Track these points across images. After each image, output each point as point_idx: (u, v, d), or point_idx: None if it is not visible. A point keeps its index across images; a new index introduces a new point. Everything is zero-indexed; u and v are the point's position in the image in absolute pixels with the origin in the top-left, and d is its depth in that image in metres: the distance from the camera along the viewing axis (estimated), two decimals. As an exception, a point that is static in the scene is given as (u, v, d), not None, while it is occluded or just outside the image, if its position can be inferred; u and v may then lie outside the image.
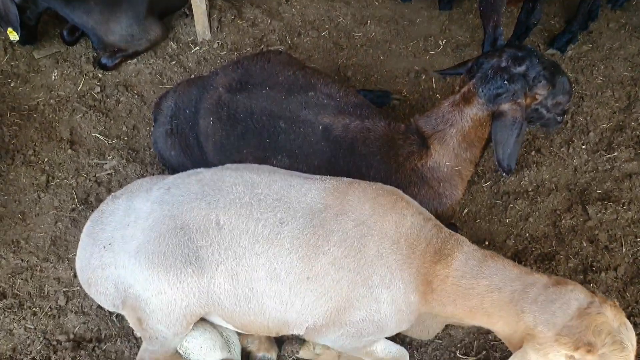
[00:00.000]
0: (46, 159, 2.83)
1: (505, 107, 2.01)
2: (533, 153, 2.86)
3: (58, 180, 2.75)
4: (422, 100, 3.14)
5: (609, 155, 2.84)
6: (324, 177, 1.97)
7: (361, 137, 2.22)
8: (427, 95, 3.17)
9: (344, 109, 2.30)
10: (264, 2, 3.70)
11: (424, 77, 3.26)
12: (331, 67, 3.31)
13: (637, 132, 2.94)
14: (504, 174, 2.22)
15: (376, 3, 3.74)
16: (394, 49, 3.43)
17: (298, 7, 3.68)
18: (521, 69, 1.98)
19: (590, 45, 3.43)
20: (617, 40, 3.45)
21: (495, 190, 2.72)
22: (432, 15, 3.65)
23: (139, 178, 2.56)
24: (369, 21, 3.60)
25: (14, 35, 3.04)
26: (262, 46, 3.41)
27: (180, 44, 3.42)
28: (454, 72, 2.32)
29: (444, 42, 3.47)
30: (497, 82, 1.99)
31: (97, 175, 2.78)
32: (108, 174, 2.79)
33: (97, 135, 2.95)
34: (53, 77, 3.20)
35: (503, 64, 2.00)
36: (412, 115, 2.59)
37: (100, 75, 3.23)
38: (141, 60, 3.30)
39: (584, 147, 2.88)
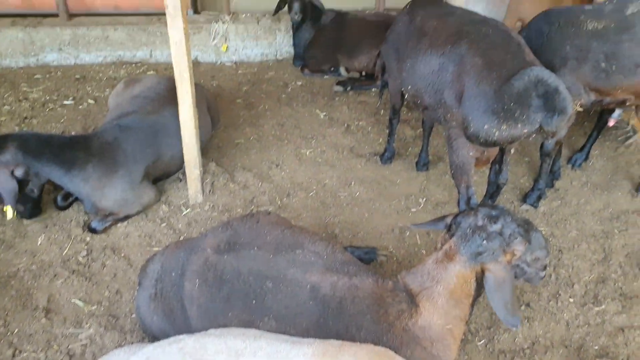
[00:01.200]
0: (16, 330, 2.67)
1: (489, 266, 2.06)
2: (523, 308, 2.84)
3: (25, 354, 2.56)
4: (408, 255, 3.19)
5: (597, 309, 2.82)
6: (312, 340, 1.90)
7: (350, 296, 2.20)
8: (413, 250, 3.23)
9: (331, 266, 2.31)
10: (255, 166, 3.97)
11: (408, 233, 3.36)
12: (319, 225, 3.42)
13: (619, 284, 2.98)
14: (513, 328, 2.18)
15: (359, 166, 4.03)
16: (378, 207, 3.59)
17: (287, 170, 3.94)
18: (497, 227, 2.07)
19: (559, 202, 3.66)
20: (583, 197, 3.70)
21: (491, 349, 2.63)
22: (410, 176, 3.93)
23: (116, 348, 2.42)
24: (353, 182, 3.83)
25: (10, 214, 3.08)
26: (253, 207, 3.55)
27: (172, 207, 3.53)
28: (432, 227, 2.39)
29: (424, 200, 3.67)
30: (477, 240, 2.06)
31: (70, 346, 2.61)
32: (83, 344, 2.62)
33: (77, 301, 2.85)
34: (39, 242, 3.21)
35: (480, 223, 2.09)
36: (399, 271, 2.60)
37: (88, 239, 3.25)
38: (131, 223, 3.37)
39: (571, 300, 2.88)
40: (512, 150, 3.23)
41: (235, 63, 5.77)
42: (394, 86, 3.67)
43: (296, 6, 5.22)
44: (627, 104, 3.37)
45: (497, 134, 2.63)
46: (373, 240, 3.30)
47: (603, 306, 2.83)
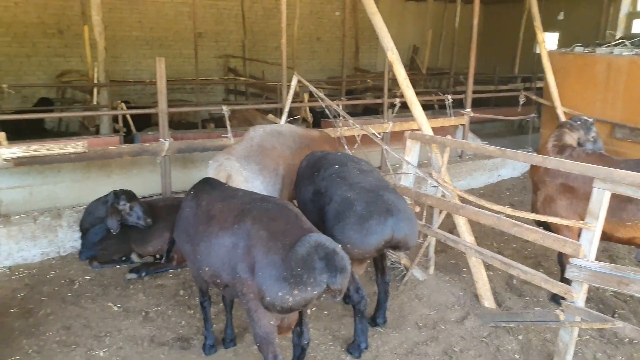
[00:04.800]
0: None
1: None
2: None
3: None
4: None
5: None
6: None
7: None
8: None
9: None
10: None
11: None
12: None
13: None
14: None
15: (162, 356, 3.83)
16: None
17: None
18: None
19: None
20: (380, 339, 4.07)
21: None
22: (218, 355, 3.84)
23: None
24: None
25: None
26: None
27: None
28: None
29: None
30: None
31: None
32: None
33: None
34: None
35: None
36: None
37: None
38: None
39: None
40: (309, 312, 3.46)
41: (10, 268, 5.23)
42: (193, 269, 3.72)
43: (138, 211, 5.15)
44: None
45: (290, 299, 2.79)
46: None
47: None
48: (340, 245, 3.03)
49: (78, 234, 5.46)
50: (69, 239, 5.60)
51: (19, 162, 5.41)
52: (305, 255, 2.83)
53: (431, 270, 5.01)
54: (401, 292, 4.78)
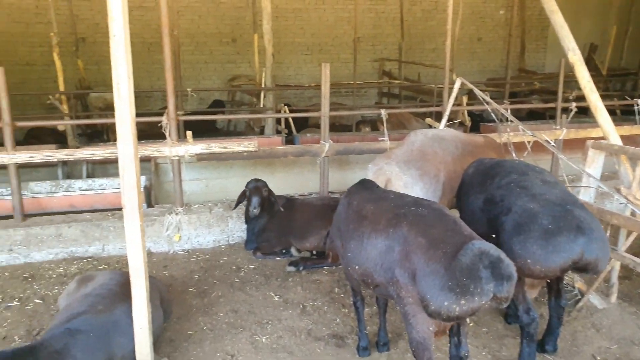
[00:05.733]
0: None
1: None
2: None
3: None
4: None
5: None
6: None
7: None
8: None
9: None
10: (207, 360, 3.81)
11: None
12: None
13: None
14: None
15: (318, 350, 3.95)
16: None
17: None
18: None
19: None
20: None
21: None
22: (372, 357, 3.86)
23: None
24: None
25: None
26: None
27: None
28: None
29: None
30: None
31: None
32: None
33: None
34: None
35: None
36: None
37: None
38: None
39: None
40: (468, 320, 3.30)
41: (188, 251, 5.88)
42: (344, 265, 3.81)
43: (255, 201, 5.55)
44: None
45: (457, 309, 2.71)
46: None
47: None
48: (509, 257, 2.84)
49: (244, 226, 5.93)
50: (237, 229, 6.11)
51: (201, 158, 6.07)
52: (469, 265, 2.73)
53: (613, 298, 4.41)
54: (574, 318, 4.29)
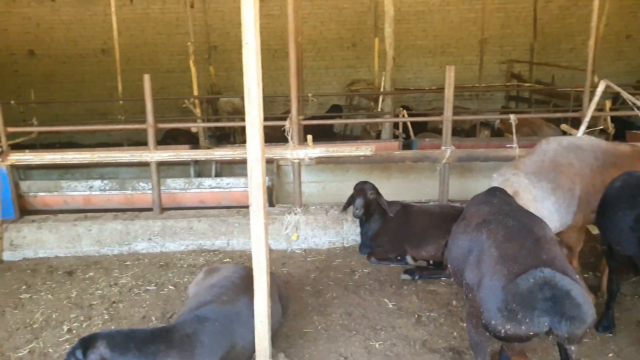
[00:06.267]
0: None
1: None
2: None
3: None
4: None
5: None
6: None
7: None
8: None
9: None
10: (323, 359, 3.86)
11: None
12: None
13: None
14: None
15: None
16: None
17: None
18: None
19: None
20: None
21: None
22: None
23: None
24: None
25: None
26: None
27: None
28: None
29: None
30: None
31: None
32: None
33: None
34: None
35: None
36: None
37: None
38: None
39: None
40: (573, 349, 2.86)
41: (305, 250, 6.04)
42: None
43: (358, 202, 5.55)
44: None
45: (502, 330, 2.65)
46: None
47: None
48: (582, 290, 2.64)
49: (359, 229, 5.94)
50: (352, 232, 6.14)
51: (319, 161, 6.21)
52: (525, 292, 2.62)
53: None
54: None
